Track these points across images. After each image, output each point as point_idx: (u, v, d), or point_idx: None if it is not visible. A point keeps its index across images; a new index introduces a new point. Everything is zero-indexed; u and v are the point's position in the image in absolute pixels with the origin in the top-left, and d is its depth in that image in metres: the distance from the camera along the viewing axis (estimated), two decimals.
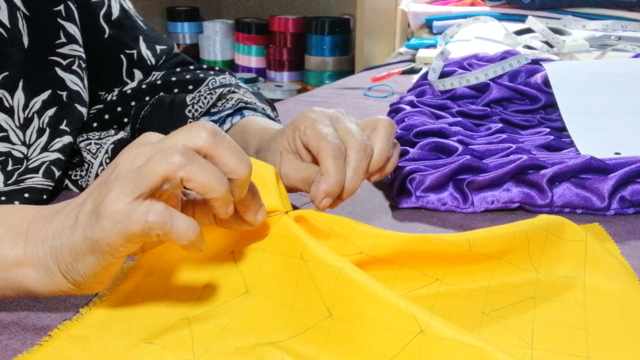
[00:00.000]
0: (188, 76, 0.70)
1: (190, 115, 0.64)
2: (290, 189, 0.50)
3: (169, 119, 0.65)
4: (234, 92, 0.67)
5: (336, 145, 0.46)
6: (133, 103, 0.68)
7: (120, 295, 0.43)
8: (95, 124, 0.69)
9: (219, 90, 0.65)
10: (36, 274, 0.38)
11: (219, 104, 0.65)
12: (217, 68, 0.74)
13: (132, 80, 0.71)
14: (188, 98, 0.65)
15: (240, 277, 0.43)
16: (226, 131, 0.62)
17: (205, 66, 0.75)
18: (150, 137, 0.38)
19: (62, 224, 0.37)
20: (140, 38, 0.71)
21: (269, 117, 0.65)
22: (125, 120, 0.68)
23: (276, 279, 0.42)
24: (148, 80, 0.70)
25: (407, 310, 0.35)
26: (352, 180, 0.46)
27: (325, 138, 0.46)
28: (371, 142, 0.48)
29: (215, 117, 0.64)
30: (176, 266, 0.45)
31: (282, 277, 0.41)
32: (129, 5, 0.72)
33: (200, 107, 0.64)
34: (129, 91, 0.69)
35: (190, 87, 0.69)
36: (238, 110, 0.64)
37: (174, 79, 0.70)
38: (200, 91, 0.66)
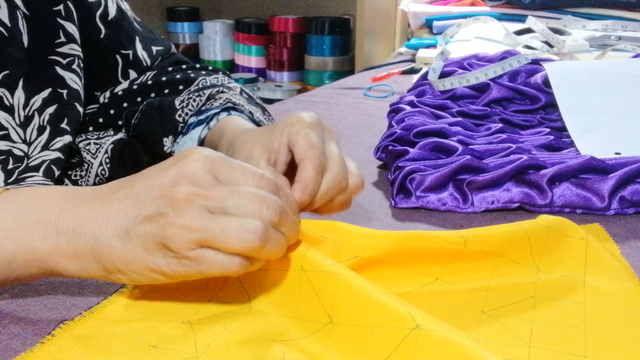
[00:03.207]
0: (178, 76, 0.70)
1: (180, 119, 0.64)
2: None
3: (159, 124, 0.65)
4: (222, 92, 0.66)
5: (321, 161, 0.45)
6: (125, 104, 0.68)
7: (123, 302, 0.43)
8: (91, 128, 0.69)
9: (207, 92, 0.65)
10: (70, 264, 0.39)
11: (208, 103, 0.66)
12: (210, 67, 0.74)
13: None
14: (177, 102, 0.65)
15: (245, 295, 0.43)
16: (211, 128, 0.63)
17: (198, 65, 0.75)
18: (200, 169, 0.37)
19: (102, 228, 0.38)
20: (137, 39, 0.71)
21: (254, 121, 0.65)
22: (120, 122, 0.68)
23: (279, 294, 0.42)
24: (139, 81, 0.70)
25: (404, 309, 0.35)
26: (315, 203, 0.46)
27: (314, 148, 0.46)
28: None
29: (203, 116, 0.64)
30: (181, 285, 0.45)
31: (285, 292, 0.42)
32: (126, 7, 0.72)
33: (190, 110, 0.64)
34: (120, 92, 0.69)
35: (181, 87, 0.69)
36: (225, 110, 0.64)
37: (164, 78, 0.69)
38: (190, 90, 0.66)
